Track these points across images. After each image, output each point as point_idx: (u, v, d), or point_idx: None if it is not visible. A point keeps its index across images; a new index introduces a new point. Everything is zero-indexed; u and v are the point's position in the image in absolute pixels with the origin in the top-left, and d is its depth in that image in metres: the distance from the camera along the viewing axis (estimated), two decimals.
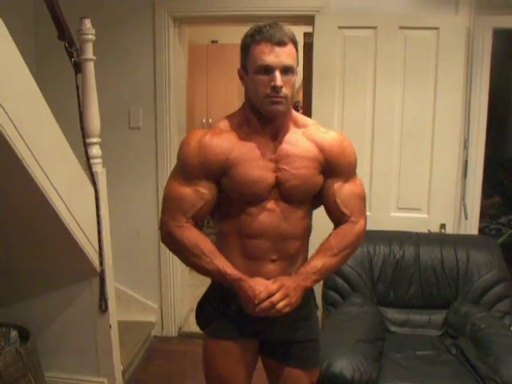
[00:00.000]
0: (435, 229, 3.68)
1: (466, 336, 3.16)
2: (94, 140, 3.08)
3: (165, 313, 4.07)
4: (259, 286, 1.95)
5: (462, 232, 3.74)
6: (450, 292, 3.44)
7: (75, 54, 2.95)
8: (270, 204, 2.00)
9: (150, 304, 4.06)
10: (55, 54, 3.03)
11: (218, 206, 2.05)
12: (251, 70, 1.93)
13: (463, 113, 3.59)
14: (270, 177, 1.98)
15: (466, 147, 3.63)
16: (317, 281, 2.07)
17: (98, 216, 3.12)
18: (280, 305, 1.94)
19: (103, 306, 3.21)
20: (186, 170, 1.99)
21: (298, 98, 5.77)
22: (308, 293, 2.11)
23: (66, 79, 2.97)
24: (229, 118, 2.07)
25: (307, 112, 3.90)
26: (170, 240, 2.02)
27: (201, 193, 1.98)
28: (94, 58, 2.98)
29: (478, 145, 3.63)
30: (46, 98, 2.57)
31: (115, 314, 3.30)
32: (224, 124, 2.04)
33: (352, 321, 3.18)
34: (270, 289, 1.94)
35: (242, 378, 2.18)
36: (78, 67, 2.99)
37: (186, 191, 1.98)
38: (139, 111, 3.85)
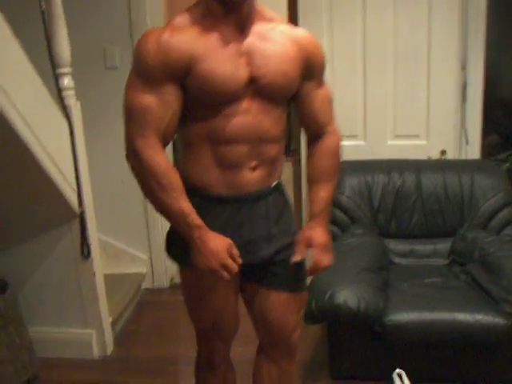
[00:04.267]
0: (435, 156, 3.41)
1: (475, 261, 2.91)
2: (65, 70, 2.77)
3: (155, 263, 3.77)
4: (221, 241, 1.71)
5: (463, 158, 3.46)
6: (455, 219, 3.18)
7: None
8: (245, 103, 1.69)
9: (139, 255, 3.75)
10: None
11: (185, 113, 1.72)
12: None
13: (460, 32, 3.29)
14: (242, 73, 1.67)
15: (464, 69, 3.33)
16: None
17: (74, 153, 2.83)
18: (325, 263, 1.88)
19: (85, 252, 2.93)
20: (147, 73, 1.64)
21: None
22: (290, 214, 1.94)
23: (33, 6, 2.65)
24: (189, 10, 1.72)
25: None
26: (138, 162, 1.66)
27: (166, 101, 1.64)
28: None
29: (477, 66, 3.33)
30: (15, 27, 2.31)
31: (99, 261, 3.02)
32: (184, 18, 1.69)
33: (353, 251, 2.92)
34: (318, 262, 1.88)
35: (226, 305, 1.92)
36: None
37: (151, 100, 1.64)
38: (115, 50, 3.52)
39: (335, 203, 3.19)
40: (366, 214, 3.18)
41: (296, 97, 1.83)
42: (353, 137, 3.43)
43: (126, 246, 3.75)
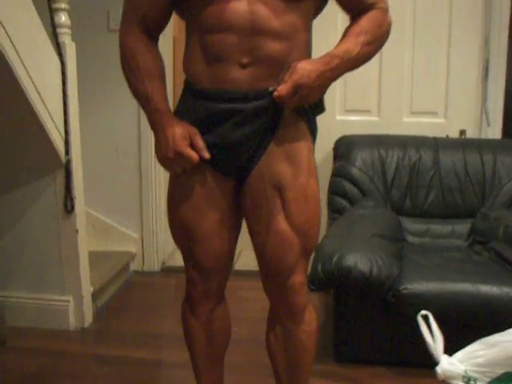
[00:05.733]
0: (454, 135, 3.09)
1: (500, 239, 2.55)
2: (63, 5, 2.50)
3: (146, 244, 3.39)
4: (181, 128, 1.47)
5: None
6: (475, 198, 2.84)
7: None
8: None
9: (129, 233, 3.39)
10: None
11: (182, 8, 1.54)
12: None
13: (484, 4, 3.03)
14: None
15: (486, 43, 3.05)
16: (338, 70, 1.44)
17: (65, 95, 2.52)
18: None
19: (69, 206, 2.58)
20: None
21: None
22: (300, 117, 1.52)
23: None
24: None
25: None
26: (120, 50, 1.56)
27: None
28: None
29: (501, 42, 3.05)
30: None
31: (83, 217, 2.67)
32: None
33: (364, 219, 2.57)
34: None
35: (202, 223, 1.55)
36: None
37: None
38: (119, 11, 3.25)
39: (345, 175, 2.86)
40: (379, 188, 2.84)
41: None
42: (366, 112, 3.13)
43: (117, 223, 3.38)
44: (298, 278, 1.57)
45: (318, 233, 1.59)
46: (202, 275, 1.62)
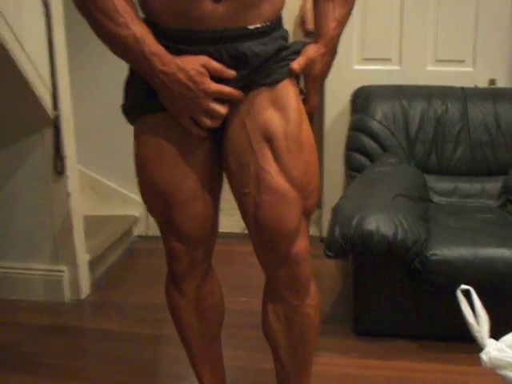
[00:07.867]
0: (483, 85, 2.72)
1: None
2: None
3: None
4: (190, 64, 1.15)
5: None
6: (507, 154, 2.50)
7: None
8: None
9: (132, 196, 3.06)
10: None
11: None
12: None
13: None
14: None
15: None
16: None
17: (51, 42, 2.19)
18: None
19: (59, 167, 2.27)
20: None
21: None
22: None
23: None
24: None
25: None
26: None
27: None
28: None
29: None
30: None
31: (76, 179, 2.38)
32: None
33: (386, 177, 2.24)
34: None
35: (179, 184, 1.28)
36: None
37: None
38: None
39: (364, 129, 2.52)
40: (401, 144, 2.49)
41: None
42: (386, 60, 2.76)
43: (119, 185, 3.07)
44: (303, 244, 1.28)
45: (318, 188, 1.30)
46: (186, 246, 1.34)
